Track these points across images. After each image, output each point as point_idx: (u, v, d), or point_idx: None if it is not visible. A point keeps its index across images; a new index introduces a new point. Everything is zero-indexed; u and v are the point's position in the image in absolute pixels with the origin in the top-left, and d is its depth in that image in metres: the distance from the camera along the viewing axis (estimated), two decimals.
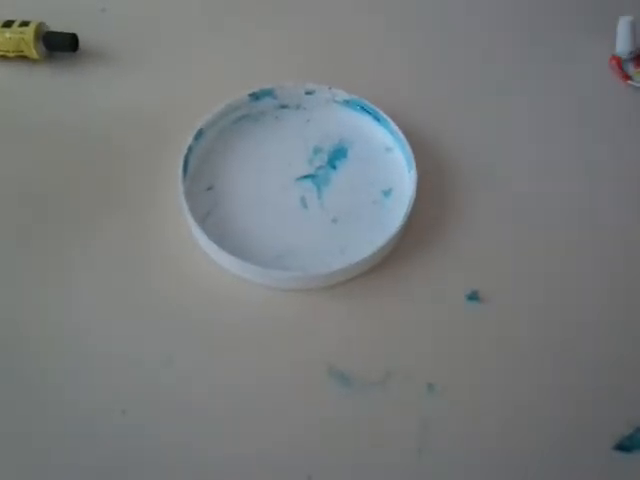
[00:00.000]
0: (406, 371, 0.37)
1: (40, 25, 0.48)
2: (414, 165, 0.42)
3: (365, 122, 0.46)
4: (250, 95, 0.46)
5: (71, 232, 0.42)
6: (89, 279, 0.40)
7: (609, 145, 0.47)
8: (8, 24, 0.48)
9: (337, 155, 0.45)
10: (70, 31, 0.49)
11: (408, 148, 0.43)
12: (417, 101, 0.48)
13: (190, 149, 0.42)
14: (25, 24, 0.48)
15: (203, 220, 0.41)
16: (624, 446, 0.35)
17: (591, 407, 0.36)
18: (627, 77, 0.49)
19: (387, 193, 0.43)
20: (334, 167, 0.44)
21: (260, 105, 0.46)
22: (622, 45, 0.50)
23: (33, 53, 0.48)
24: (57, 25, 0.49)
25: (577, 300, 0.40)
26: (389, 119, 0.44)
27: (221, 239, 0.40)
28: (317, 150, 0.45)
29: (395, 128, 0.44)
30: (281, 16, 0.53)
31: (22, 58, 0.49)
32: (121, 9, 0.53)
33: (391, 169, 0.44)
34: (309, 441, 0.35)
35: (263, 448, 0.35)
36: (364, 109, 0.46)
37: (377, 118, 0.45)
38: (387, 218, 0.42)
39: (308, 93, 0.46)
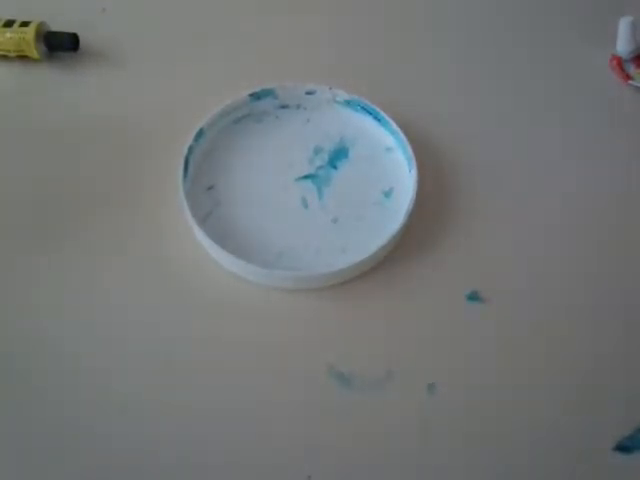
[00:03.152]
0: (406, 371, 0.37)
1: (41, 25, 0.48)
2: (414, 165, 0.42)
3: (366, 122, 0.46)
4: (250, 95, 0.46)
5: (70, 232, 0.42)
6: (89, 279, 0.40)
7: (610, 145, 0.47)
8: (9, 24, 0.48)
9: (338, 155, 0.45)
10: (71, 31, 0.49)
11: (408, 148, 0.43)
12: (417, 101, 0.48)
13: (191, 149, 0.42)
14: (26, 24, 0.48)
15: (204, 220, 0.41)
16: (624, 447, 0.35)
17: (591, 407, 0.36)
18: (628, 77, 0.49)
19: (388, 193, 0.43)
20: (335, 167, 0.44)
21: (261, 105, 0.46)
22: (623, 45, 0.50)
23: (34, 53, 0.48)
24: (58, 25, 0.49)
25: (577, 300, 0.40)
26: (390, 119, 0.44)
27: (222, 239, 0.40)
28: (318, 150, 0.45)
29: (396, 128, 0.44)
30: (281, 16, 0.53)
31: (23, 58, 0.49)
32: (121, 9, 0.53)
33: (392, 169, 0.44)
34: (309, 441, 0.35)
35: (263, 448, 0.35)
36: (365, 109, 0.46)
37: (378, 118, 0.45)
38: (387, 218, 0.42)
39: (308, 93, 0.46)
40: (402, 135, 0.43)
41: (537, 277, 0.41)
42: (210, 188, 0.43)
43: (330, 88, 0.46)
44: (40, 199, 0.43)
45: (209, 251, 0.40)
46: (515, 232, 0.42)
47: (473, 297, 0.40)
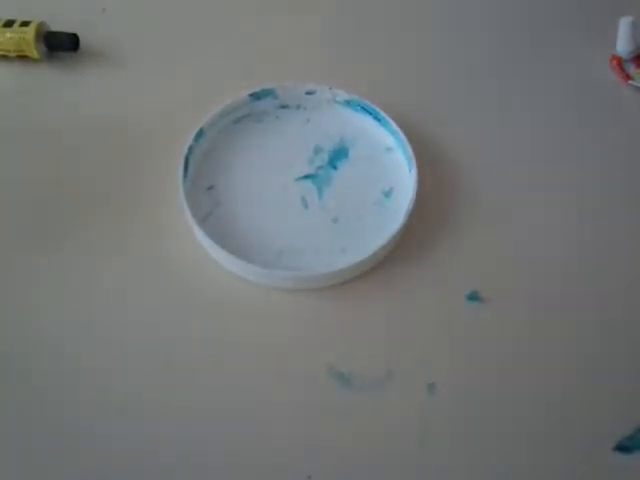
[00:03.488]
0: (406, 371, 0.37)
1: (41, 25, 0.48)
2: (414, 165, 0.42)
3: (366, 122, 0.46)
4: (250, 95, 0.46)
5: (70, 232, 0.42)
6: (89, 279, 0.40)
7: (610, 145, 0.47)
8: (9, 24, 0.48)
9: (338, 155, 0.45)
10: (71, 31, 0.49)
11: (408, 148, 0.43)
12: (417, 101, 0.48)
13: (191, 149, 0.42)
14: (26, 24, 0.48)
15: (204, 220, 0.41)
16: (624, 447, 0.35)
17: (591, 407, 0.36)
18: (628, 77, 0.49)
19: (388, 193, 0.43)
20: (335, 167, 0.44)
21: (261, 105, 0.46)
22: (623, 45, 0.50)
23: (34, 53, 0.48)
24: (58, 25, 0.50)
25: (577, 300, 0.40)
26: (389, 119, 0.44)
27: (222, 239, 0.40)
28: (318, 150, 0.45)
29: (395, 128, 0.44)
30: (281, 16, 0.53)
31: (23, 58, 0.49)
32: (121, 9, 0.53)
33: (392, 169, 0.44)
34: (309, 441, 0.35)
35: (263, 448, 0.35)
36: (365, 109, 0.46)
37: (378, 118, 0.45)
38: (388, 218, 0.42)
39: (308, 93, 0.46)
40: (402, 135, 0.43)
41: (537, 277, 0.41)
42: (210, 188, 0.43)
43: (330, 88, 0.46)
44: (40, 199, 0.43)
45: (209, 251, 0.40)
46: (515, 232, 0.42)
47: (473, 297, 0.40)
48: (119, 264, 0.40)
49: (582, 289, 0.40)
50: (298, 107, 0.47)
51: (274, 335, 0.38)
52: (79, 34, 0.49)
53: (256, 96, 0.46)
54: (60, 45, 0.49)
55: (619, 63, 0.50)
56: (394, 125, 0.44)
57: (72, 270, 0.40)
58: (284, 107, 0.47)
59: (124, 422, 0.35)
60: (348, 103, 0.46)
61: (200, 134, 0.43)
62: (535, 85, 0.50)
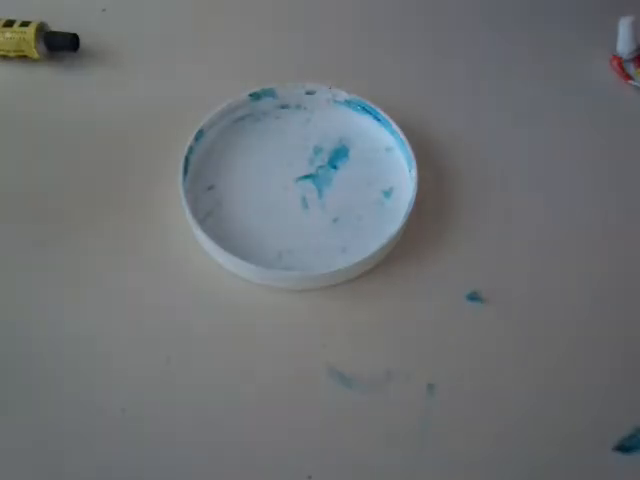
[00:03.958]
0: (406, 371, 0.37)
1: (41, 25, 0.48)
2: (414, 165, 0.42)
3: (366, 122, 0.46)
4: (250, 95, 0.46)
5: (71, 232, 0.42)
6: (89, 279, 0.40)
7: (610, 145, 0.47)
8: (9, 24, 0.48)
9: (338, 155, 0.45)
10: (71, 31, 0.49)
11: (408, 148, 0.43)
12: (417, 101, 0.48)
13: (191, 149, 0.42)
14: (26, 24, 0.48)
15: (204, 220, 0.41)
16: (624, 447, 0.35)
17: (591, 408, 0.36)
18: (628, 77, 0.49)
19: (388, 193, 0.43)
20: (335, 167, 0.44)
21: (260, 105, 0.46)
22: (623, 45, 0.50)
23: (34, 53, 0.48)
24: (58, 25, 0.50)
25: (577, 300, 0.40)
26: (390, 119, 0.44)
27: (222, 239, 0.40)
28: (318, 150, 0.45)
29: (396, 128, 0.44)
30: (281, 16, 0.53)
31: (23, 58, 0.49)
32: (121, 9, 0.53)
33: (392, 169, 0.44)
34: (309, 441, 0.35)
35: (263, 448, 0.35)
36: (364, 109, 0.46)
37: (378, 118, 0.45)
38: (388, 218, 0.42)
39: (308, 93, 0.46)
40: (402, 135, 0.43)
41: (537, 277, 0.41)
42: (210, 188, 0.43)
43: (330, 88, 0.46)
44: (40, 199, 0.43)
45: (209, 251, 0.40)
46: (515, 232, 0.42)
47: (473, 297, 0.40)
48: (119, 264, 0.40)
49: (582, 288, 0.40)
50: (298, 107, 0.47)
51: (274, 335, 0.38)
52: (79, 34, 0.49)
53: (256, 96, 0.46)
54: (60, 45, 0.49)
55: (619, 63, 0.50)
56: (394, 125, 0.44)
57: (72, 270, 0.40)
58: (284, 107, 0.47)
59: (124, 422, 0.35)
60: (348, 103, 0.46)
61: (200, 134, 0.43)
62: (535, 85, 0.50)
